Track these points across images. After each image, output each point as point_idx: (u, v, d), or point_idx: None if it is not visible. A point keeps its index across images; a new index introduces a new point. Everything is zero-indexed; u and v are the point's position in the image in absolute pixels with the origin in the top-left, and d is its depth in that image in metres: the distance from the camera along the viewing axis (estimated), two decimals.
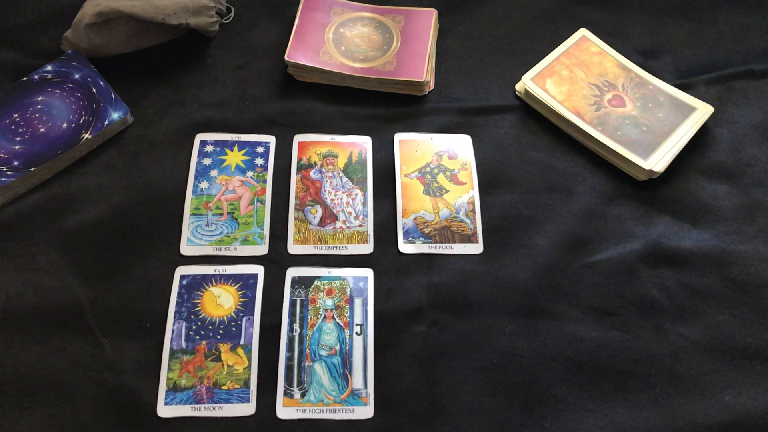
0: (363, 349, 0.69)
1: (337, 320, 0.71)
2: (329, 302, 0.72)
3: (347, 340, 0.69)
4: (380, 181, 0.81)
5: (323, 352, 0.69)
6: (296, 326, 0.70)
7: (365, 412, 0.66)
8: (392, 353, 0.69)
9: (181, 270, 0.73)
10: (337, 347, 0.69)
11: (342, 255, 0.75)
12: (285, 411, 0.66)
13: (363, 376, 0.68)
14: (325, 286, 0.73)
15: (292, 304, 0.71)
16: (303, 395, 0.66)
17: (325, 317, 0.71)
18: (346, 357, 0.69)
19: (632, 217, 0.78)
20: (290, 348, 0.69)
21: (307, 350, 0.69)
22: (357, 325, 0.70)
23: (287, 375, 0.67)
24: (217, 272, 0.73)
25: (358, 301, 0.72)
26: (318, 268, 0.74)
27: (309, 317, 0.71)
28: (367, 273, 0.73)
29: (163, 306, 0.71)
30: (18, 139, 0.78)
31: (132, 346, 0.68)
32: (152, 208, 0.77)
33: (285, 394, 0.66)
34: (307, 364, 0.68)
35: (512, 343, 0.70)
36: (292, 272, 0.73)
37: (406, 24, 0.92)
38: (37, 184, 0.78)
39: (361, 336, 0.70)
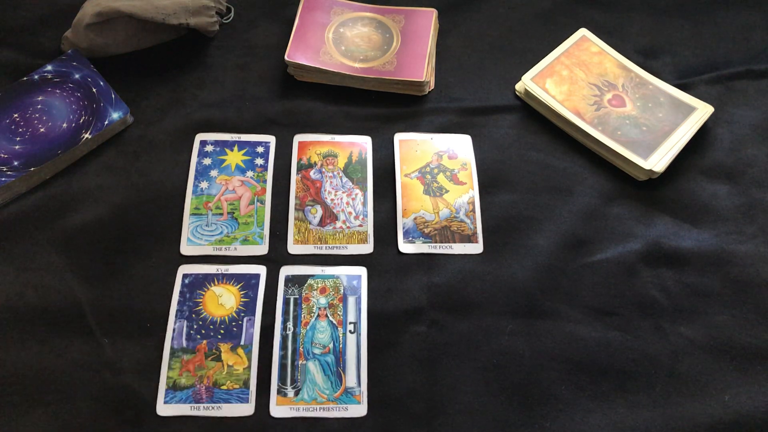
0: (356, 348, 0.69)
1: (331, 318, 0.71)
2: (323, 300, 0.72)
3: (341, 338, 0.69)
4: (380, 181, 0.81)
5: (317, 351, 0.69)
6: (290, 324, 0.70)
7: (358, 410, 0.66)
8: (392, 353, 0.69)
9: (184, 269, 0.73)
10: (331, 345, 0.69)
11: (342, 255, 0.75)
12: (278, 409, 0.66)
13: (356, 374, 0.68)
14: (319, 285, 0.73)
15: (286, 302, 0.71)
16: (296, 394, 0.66)
17: (318, 315, 0.71)
18: (339, 355, 0.69)
19: (632, 217, 0.78)
20: (284, 346, 0.69)
21: (301, 348, 0.69)
22: (350, 323, 0.70)
23: (281, 374, 0.67)
24: (220, 272, 0.73)
25: (351, 300, 0.72)
26: (311, 267, 0.74)
27: (302, 315, 0.71)
28: (361, 271, 0.73)
29: (163, 306, 0.71)
30: (18, 139, 0.79)
31: (132, 346, 0.68)
32: (152, 208, 0.77)
33: (279, 392, 0.66)
34: (300, 362, 0.68)
35: (512, 343, 0.70)
36: (286, 271, 0.73)
37: (406, 24, 0.92)
38: (37, 184, 0.78)
39: (355, 334, 0.70)
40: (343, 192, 0.80)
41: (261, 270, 0.73)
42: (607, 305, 0.72)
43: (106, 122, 0.81)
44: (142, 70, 0.88)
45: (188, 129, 0.83)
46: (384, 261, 0.75)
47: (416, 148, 0.83)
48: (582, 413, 0.66)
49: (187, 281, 0.72)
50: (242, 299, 0.71)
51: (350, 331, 0.70)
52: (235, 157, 0.81)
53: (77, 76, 0.83)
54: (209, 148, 0.82)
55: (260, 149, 0.82)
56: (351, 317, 0.71)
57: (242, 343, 0.69)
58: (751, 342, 0.69)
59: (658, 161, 0.79)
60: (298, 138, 0.83)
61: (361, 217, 0.78)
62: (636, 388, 0.67)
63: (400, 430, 0.65)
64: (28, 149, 0.78)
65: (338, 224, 0.77)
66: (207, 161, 0.81)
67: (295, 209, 0.78)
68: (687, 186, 0.80)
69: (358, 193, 0.80)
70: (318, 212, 0.78)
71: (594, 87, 0.86)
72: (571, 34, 0.91)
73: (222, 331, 0.70)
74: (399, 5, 0.95)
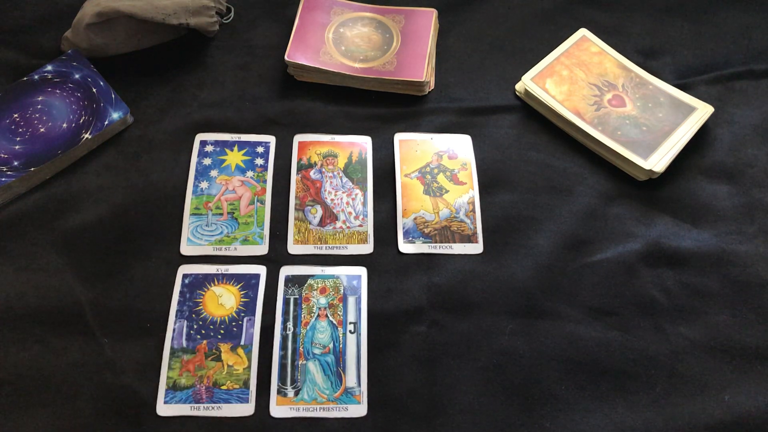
0: (356, 348, 0.69)
1: (331, 318, 0.71)
2: (323, 300, 0.72)
3: (341, 338, 0.69)
4: (380, 181, 0.81)
5: (317, 351, 0.69)
6: (290, 324, 0.70)
7: (358, 410, 0.66)
8: (392, 353, 0.69)
9: (184, 269, 0.73)
10: (331, 345, 0.69)
11: (342, 255, 0.75)
12: (278, 410, 0.66)
13: (356, 374, 0.68)
14: (319, 285, 0.73)
15: (286, 302, 0.71)
16: (296, 394, 0.66)
17: (318, 315, 0.71)
18: (339, 355, 0.69)
19: (632, 217, 0.78)
20: (284, 346, 0.69)
21: (301, 348, 0.69)
22: (350, 323, 0.70)
23: (281, 374, 0.67)
24: (220, 272, 0.73)
25: (351, 300, 0.72)
26: (311, 267, 0.74)
27: (303, 316, 0.71)
28: (361, 271, 0.73)
29: (163, 306, 0.71)
30: (18, 139, 0.79)
31: (132, 346, 0.68)
32: (152, 208, 0.77)
33: (279, 392, 0.66)
34: (300, 362, 0.68)
35: (512, 343, 0.70)
36: (286, 271, 0.73)
37: (406, 24, 0.92)
38: (37, 184, 0.78)
39: (355, 334, 0.70)
40: (343, 192, 0.80)
41: (261, 270, 0.73)
42: (607, 305, 0.72)
43: (106, 122, 0.81)
44: (142, 70, 0.88)
45: (188, 129, 0.83)
46: (384, 261, 0.75)
47: (416, 148, 0.83)
48: (582, 413, 0.66)
49: (187, 281, 0.72)
50: (242, 299, 0.71)
51: (350, 331, 0.70)
52: (235, 157, 0.81)
53: (77, 76, 0.83)
54: (209, 148, 0.82)
55: (260, 149, 0.82)
56: (351, 317, 0.71)
57: (242, 343, 0.69)
58: (751, 342, 0.69)
59: (658, 161, 0.79)
60: (298, 138, 0.83)
61: (361, 217, 0.78)
62: (636, 388, 0.67)
63: (400, 430, 0.65)
64: (28, 149, 0.78)
65: (338, 224, 0.77)
66: (207, 161, 0.81)
67: (295, 209, 0.78)
68: (687, 186, 0.80)
69: (358, 193, 0.80)
70: (318, 212, 0.78)
71: (594, 87, 0.86)
72: (571, 34, 0.91)
73: (222, 331, 0.70)
74: (399, 5, 0.95)
